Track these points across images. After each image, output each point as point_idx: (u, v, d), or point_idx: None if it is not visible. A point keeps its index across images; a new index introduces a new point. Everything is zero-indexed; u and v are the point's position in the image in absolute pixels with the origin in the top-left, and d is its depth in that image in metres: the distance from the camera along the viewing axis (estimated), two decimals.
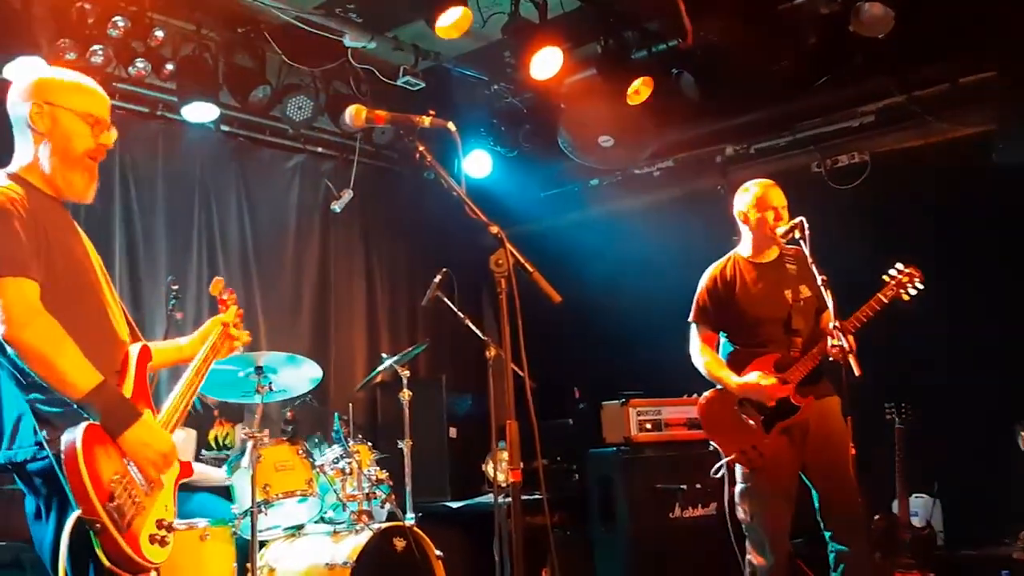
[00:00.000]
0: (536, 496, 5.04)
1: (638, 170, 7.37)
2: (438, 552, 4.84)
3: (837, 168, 6.47)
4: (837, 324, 3.94)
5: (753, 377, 4.17)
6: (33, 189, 2.63)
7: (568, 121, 6.35)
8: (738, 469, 4.28)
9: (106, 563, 2.32)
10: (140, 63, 5.36)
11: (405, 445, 5.33)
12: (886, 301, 4.13)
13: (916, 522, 5.28)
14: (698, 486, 5.64)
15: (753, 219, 4.36)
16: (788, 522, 4.20)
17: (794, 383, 4.15)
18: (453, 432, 6.67)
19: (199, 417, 5.21)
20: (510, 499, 2.51)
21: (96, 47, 5.14)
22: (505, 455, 2.46)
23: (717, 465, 4.34)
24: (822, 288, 4.06)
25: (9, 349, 2.40)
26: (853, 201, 6.27)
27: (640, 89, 5.84)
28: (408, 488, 5.26)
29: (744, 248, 4.45)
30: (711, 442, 4.42)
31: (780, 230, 4.27)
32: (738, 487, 4.28)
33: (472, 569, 5.82)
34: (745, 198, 4.41)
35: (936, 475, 5.56)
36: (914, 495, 5.37)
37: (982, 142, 5.56)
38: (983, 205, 5.75)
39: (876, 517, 5.16)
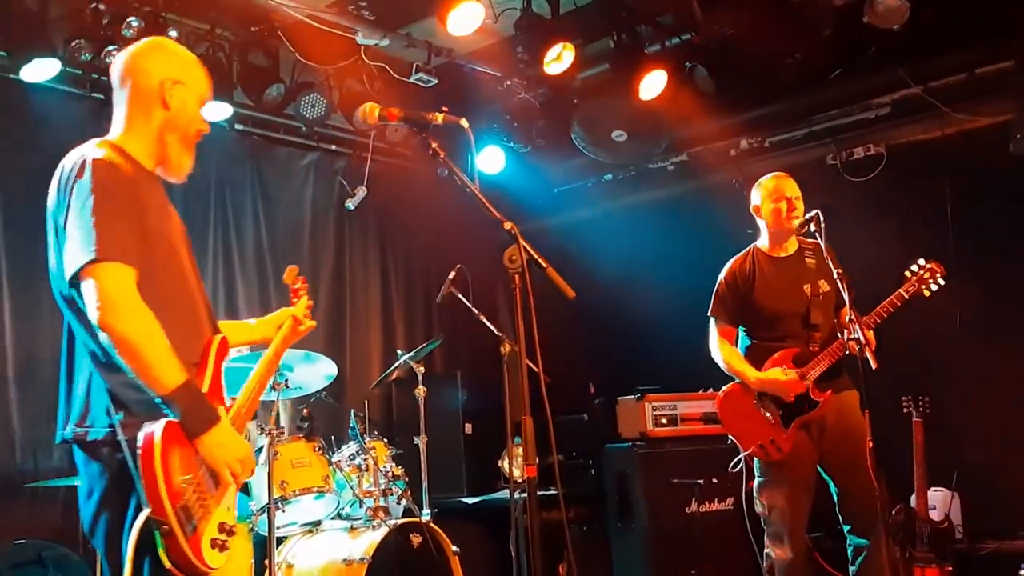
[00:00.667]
0: (552, 492, 5.04)
1: (652, 165, 7.36)
2: (454, 548, 4.84)
3: (852, 160, 6.43)
4: (853, 317, 3.91)
5: (773, 372, 4.19)
6: (134, 162, 2.57)
7: (581, 116, 6.34)
8: (756, 463, 4.29)
9: (167, 564, 2.28)
10: None
11: (421, 441, 5.34)
12: (907, 297, 4.11)
13: (934, 515, 5.25)
14: (714, 481, 5.63)
15: (766, 211, 4.36)
16: (806, 516, 4.20)
17: (813, 378, 4.15)
18: (469, 428, 6.68)
19: None
20: (526, 495, 2.51)
21: (111, 47, 5.16)
22: (520, 451, 2.46)
23: (736, 459, 4.34)
24: (839, 281, 4.04)
25: (101, 335, 2.34)
26: (869, 194, 6.24)
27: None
28: (424, 484, 5.27)
29: (762, 242, 4.44)
30: (729, 436, 4.42)
31: (795, 223, 4.26)
32: (756, 481, 4.29)
33: (489, 565, 5.82)
34: (758, 192, 4.41)
35: (954, 468, 5.52)
36: (932, 488, 5.34)
37: (999, 133, 5.52)
38: (1001, 196, 5.71)
39: (895, 511, 5.13)
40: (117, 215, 2.39)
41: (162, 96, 2.62)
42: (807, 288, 4.26)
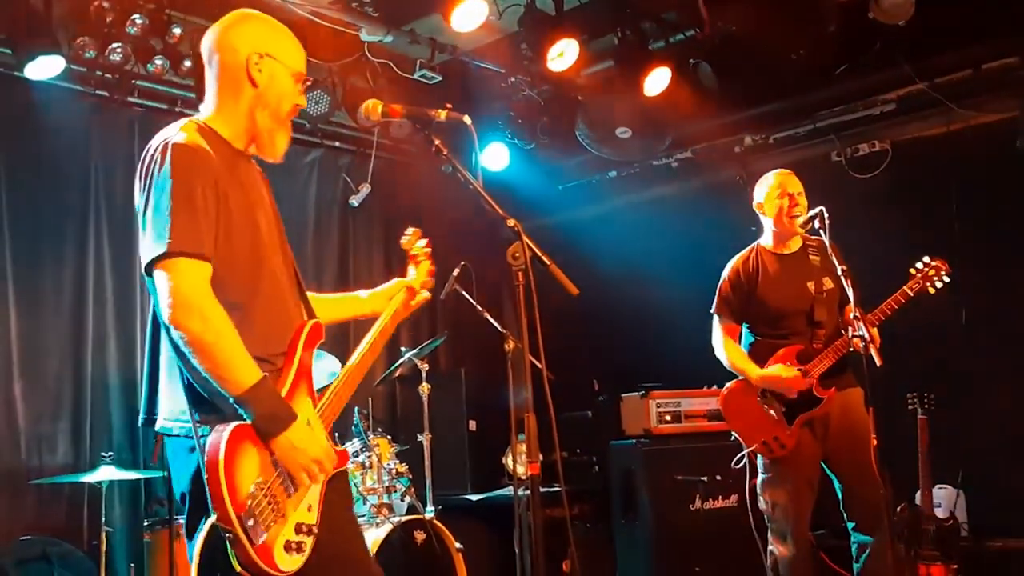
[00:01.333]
0: (556, 489, 5.04)
1: (656, 162, 7.34)
2: (458, 545, 4.85)
3: (857, 157, 6.41)
4: (858, 314, 3.93)
5: (775, 369, 4.19)
6: (222, 142, 2.47)
7: (585, 113, 6.33)
8: (759, 460, 4.28)
9: (237, 567, 2.22)
10: (158, 60, 5.39)
11: (425, 438, 5.34)
12: (911, 294, 4.12)
13: (940, 513, 5.23)
14: (719, 478, 5.62)
15: (769, 208, 4.35)
16: (810, 512, 4.20)
17: (816, 375, 4.15)
18: (473, 425, 6.68)
19: None
20: (530, 492, 2.51)
21: (115, 45, 5.18)
22: (524, 448, 2.46)
23: (738, 456, 4.35)
24: (843, 278, 4.04)
25: (173, 332, 2.26)
26: (874, 190, 6.22)
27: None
28: (428, 481, 5.28)
29: (766, 239, 4.43)
30: (733, 432, 4.42)
31: (799, 220, 4.26)
32: (760, 477, 4.29)
33: (492, 562, 5.83)
34: (761, 189, 4.41)
35: (960, 466, 5.51)
36: (937, 486, 5.33)
37: (1006, 129, 5.51)
38: (1007, 192, 5.69)
39: (899, 508, 5.12)
40: (194, 204, 2.29)
41: (248, 72, 2.49)
42: (811, 285, 4.26)
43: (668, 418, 5.87)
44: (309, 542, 2.34)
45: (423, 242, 3.01)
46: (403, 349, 5.65)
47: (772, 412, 4.22)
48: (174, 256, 2.26)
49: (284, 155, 2.61)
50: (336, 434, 5.27)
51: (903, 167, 6.19)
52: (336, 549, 2.44)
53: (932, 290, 4.13)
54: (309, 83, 2.61)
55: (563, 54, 5.61)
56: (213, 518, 2.20)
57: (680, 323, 4.93)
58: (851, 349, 4.05)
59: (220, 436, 2.22)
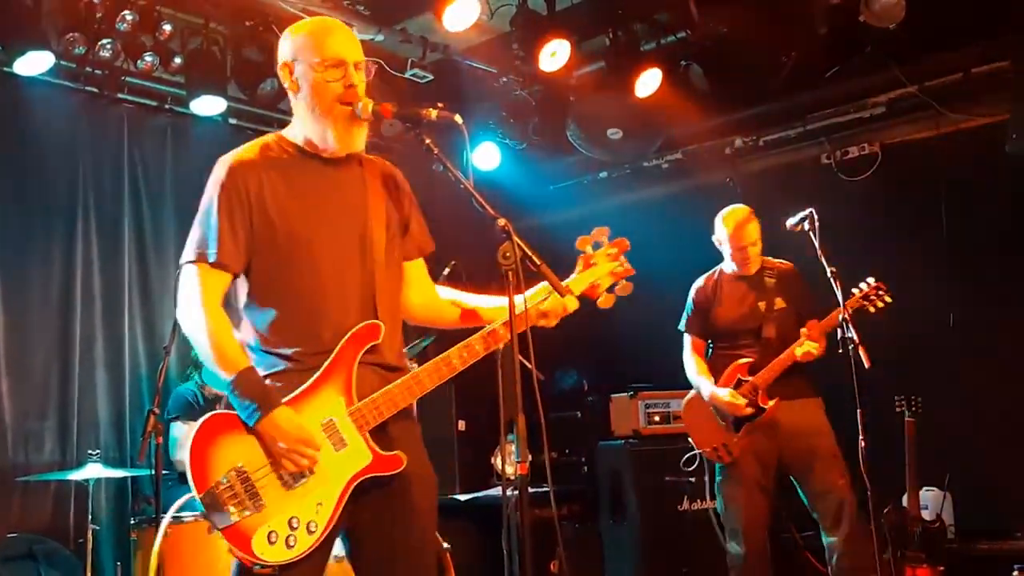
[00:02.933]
0: (544, 489, 5.04)
1: (647, 163, 7.35)
2: (446, 544, 4.83)
3: (847, 159, 6.44)
4: (846, 316, 4.21)
5: (722, 393, 4.55)
6: (290, 150, 2.62)
7: (577, 114, 6.34)
8: (717, 464, 4.66)
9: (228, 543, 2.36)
10: (148, 57, 5.37)
11: None
12: (849, 313, 4.34)
13: (926, 515, 5.25)
14: (706, 479, 5.63)
15: (725, 252, 4.74)
16: (764, 515, 4.55)
17: (763, 387, 4.48)
18: (462, 425, 6.67)
19: (203, 411, 5.21)
20: (518, 492, 2.51)
21: (105, 41, 5.16)
22: (513, 448, 2.46)
23: (686, 457, 5.08)
24: (831, 280, 4.27)
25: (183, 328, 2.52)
26: (863, 192, 6.25)
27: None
28: None
29: (726, 265, 4.79)
30: (689, 438, 4.84)
31: (752, 269, 4.67)
32: (717, 480, 4.68)
33: (480, 561, 5.82)
34: (720, 229, 4.72)
35: (947, 468, 5.53)
36: (924, 488, 5.34)
37: (995, 132, 5.53)
38: (995, 196, 5.71)
39: (886, 510, 5.14)
40: (222, 219, 2.49)
41: (287, 85, 2.65)
42: (762, 305, 4.63)
43: (657, 419, 5.89)
44: (306, 540, 2.39)
45: (619, 240, 2.81)
46: None
47: (721, 421, 4.61)
48: (189, 263, 2.51)
49: (353, 143, 2.63)
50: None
51: (893, 170, 6.21)
52: (368, 558, 2.55)
53: (872, 309, 4.45)
54: (351, 64, 2.59)
55: (555, 54, 5.61)
56: (193, 492, 2.36)
57: (669, 324, 4.94)
58: (803, 360, 4.41)
59: (199, 421, 2.41)
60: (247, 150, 2.59)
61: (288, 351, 2.50)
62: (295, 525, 2.38)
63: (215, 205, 2.51)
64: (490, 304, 2.84)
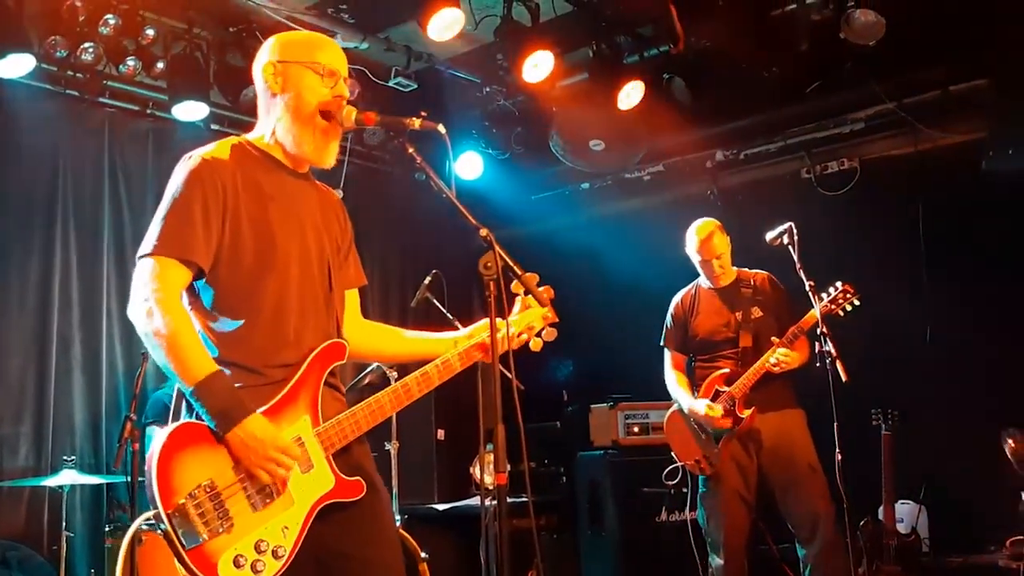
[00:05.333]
0: (523, 499, 5.05)
1: (629, 174, 7.38)
2: (424, 554, 4.82)
3: (827, 174, 6.50)
4: (824, 330, 4.25)
5: (699, 405, 4.58)
6: (257, 156, 2.52)
7: (560, 124, 6.36)
8: (700, 476, 4.68)
9: (179, 570, 2.20)
10: (131, 61, 5.35)
11: (392, 447, 5.31)
12: (819, 316, 4.36)
13: (902, 528, 5.29)
14: (685, 490, 5.65)
15: (695, 263, 4.77)
16: (744, 526, 4.56)
17: (739, 397, 4.49)
18: (441, 434, 6.66)
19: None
20: (497, 502, 2.51)
21: (87, 45, 5.13)
22: (492, 458, 2.45)
23: (668, 470, 5.13)
24: (809, 293, 4.32)
25: (136, 326, 2.32)
26: (842, 207, 6.30)
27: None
28: (395, 490, 5.24)
29: (703, 279, 4.84)
30: (672, 451, 4.88)
31: (722, 281, 4.71)
32: (699, 492, 4.70)
33: (458, 572, 5.81)
34: (688, 244, 4.78)
35: (922, 482, 5.57)
36: (900, 501, 5.38)
37: (972, 150, 5.59)
38: (972, 213, 5.77)
39: (862, 523, 5.17)
40: (190, 213, 2.34)
41: (268, 83, 2.54)
42: (738, 315, 4.66)
43: (636, 430, 5.90)
44: (273, 565, 2.25)
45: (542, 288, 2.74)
46: None
47: (702, 433, 4.64)
48: (154, 256, 2.32)
49: (327, 156, 2.58)
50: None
51: (871, 185, 6.27)
52: None
53: (841, 313, 4.46)
54: (342, 78, 2.57)
55: (538, 65, 5.63)
56: (152, 511, 2.19)
57: (649, 336, 4.97)
58: (777, 370, 4.42)
59: (165, 432, 2.23)
60: (218, 149, 2.47)
61: (251, 364, 2.38)
62: (262, 549, 2.25)
63: (188, 198, 2.35)
64: (432, 337, 2.83)
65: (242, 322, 2.40)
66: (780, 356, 4.40)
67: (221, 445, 2.26)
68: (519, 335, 2.73)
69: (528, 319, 2.80)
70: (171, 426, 2.26)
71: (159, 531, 2.17)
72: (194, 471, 2.22)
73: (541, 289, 2.72)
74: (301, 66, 2.53)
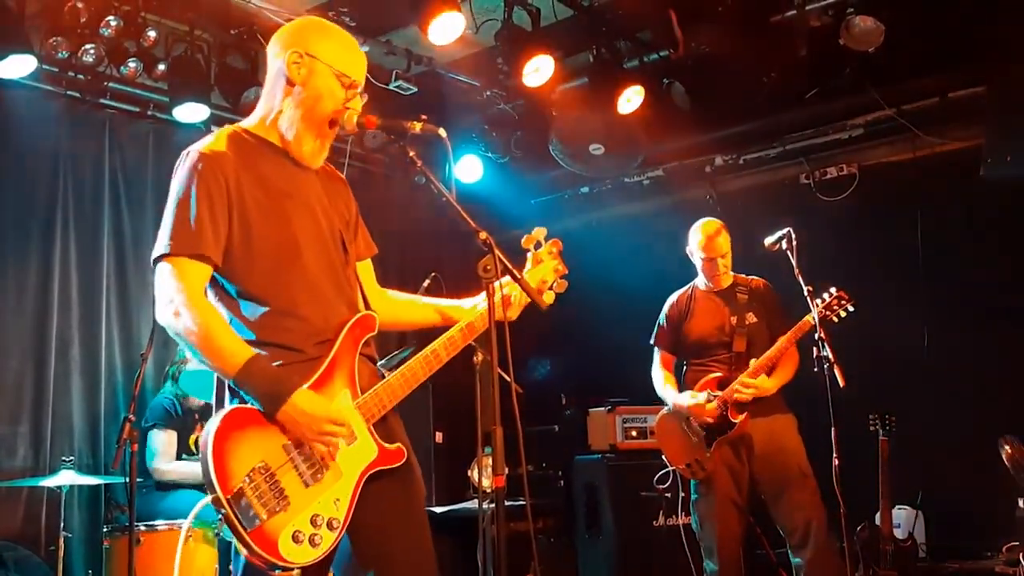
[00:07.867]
0: (521, 502, 5.05)
1: (628, 179, 7.40)
2: None
3: (825, 180, 6.51)
4: (822, 335, 4.23)
5: (683, 398, 4.57)
6: (255, 143, 2.52)
7: (559, 129, 6.37)
8: (692, 481, 4.65)
9: (242, 552, 2.26)
10: (132, 63, 5.35)
11: None
12: (814, 322, 4.36)
13: (898, 534, 5.29)
14: (682, 494, 5.66)
15: (697, 263, 4.73)
16: (738, 532, 4.53)
17: (731, 402, 4.46)
18: (439, 437, 6.66)
19: (181, 420, 5.18)
20: (495, 505, 2.51)
21: (88, 46, 5.14)
22: (490, 461, 2.46)
23: (660, 474, 5.13)
24: (807, 298, 4.31)
25: (168, 330, 2.36)
26: (841, 213, 6.31)
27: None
28: None
29: (700, 280, 4.80)
30: (663, 455, 4.83)
31: (724, 281, 4.68)
32: (692, 497, 4.66)
33: (456, 574, 5.81)
34: (692, 241, 4.73)
35: (919, 487, 5.58)
36: (897, 507, 5.39)
37: (970, 157, 5.60)
38: (970, 219, 5.79)
39: (859, 528, 5.18)
40: (199, 208, 2.37)
41: (287, 69, 2.50)
42: (733, 319, 4.63)
43: (634, 434, 5.90)
44: (329, 537, 2.32)
45: (547, 243, 2.87)
46: None
47: (693, 437, 4.59)
48: (169, 257, 2.36)
49: (319, 160, 2.59)
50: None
51: (870, 191, 6.29)
52: (377, 549, 2.44)
53: (835, 319, 4.44)
54: (359, 90, 2.58)
55: (538, 70, 5.64)
56: (210, 496, 2.23)
57: (647, 339, 4.98)
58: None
59: (213, 424, 2.27)
60: (216, 141, 2.49)
61: (288, 343, 2.42)
62: (318, 522, 2.32)
63: (193, 195, 2.38)
64: (446, 303, 2.89)
65: (271, 305, 2.43)
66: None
67: (269, 425, 2.32)
68: (536, 290, 2.75)
69: (540, 273, 2.85)
70: (220, 413, 2.31)
71: (219, 516, 2.21)
72: (247, 454, 2.27)
73: (549, 242, 2.83)
74: (329, 70, 2.53)
